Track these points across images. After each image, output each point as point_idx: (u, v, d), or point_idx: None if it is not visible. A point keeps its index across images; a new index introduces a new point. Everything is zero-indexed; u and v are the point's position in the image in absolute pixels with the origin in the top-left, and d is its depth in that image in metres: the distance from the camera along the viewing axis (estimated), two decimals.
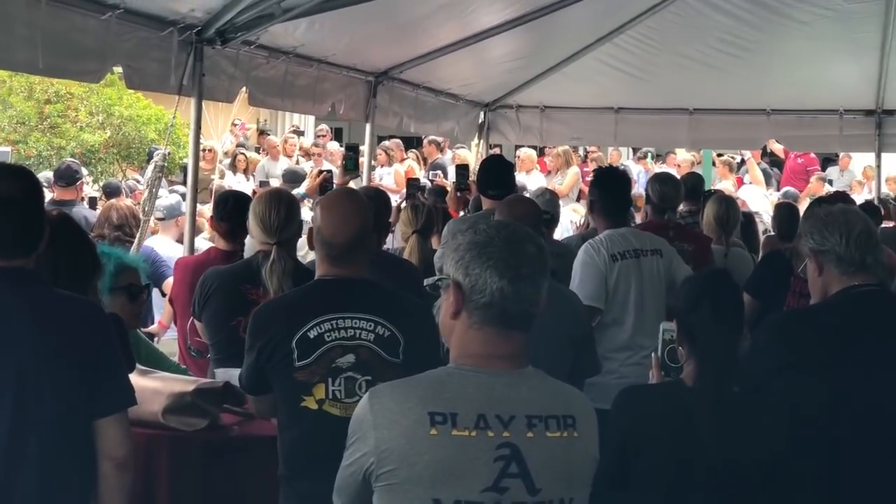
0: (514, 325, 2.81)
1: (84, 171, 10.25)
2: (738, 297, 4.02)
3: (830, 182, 17.48)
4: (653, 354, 4.24)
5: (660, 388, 3.98)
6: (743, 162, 18.11)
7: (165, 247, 8.54)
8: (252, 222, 5.42)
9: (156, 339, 7.41)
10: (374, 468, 2.73)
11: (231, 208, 6.17)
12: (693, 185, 8.89)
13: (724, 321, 3.78)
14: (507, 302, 2.77)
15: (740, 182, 17.00)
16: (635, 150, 20.56)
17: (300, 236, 5.66)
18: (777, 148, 17.33)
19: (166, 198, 9.20)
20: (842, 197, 9.37)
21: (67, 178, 9.38)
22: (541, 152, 17.60)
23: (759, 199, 12.71)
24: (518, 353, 2.84)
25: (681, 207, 8.42)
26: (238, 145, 17.95)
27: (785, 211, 8.65)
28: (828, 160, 19.83)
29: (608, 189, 6.46)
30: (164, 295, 7.83)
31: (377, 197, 6.23)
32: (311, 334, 3.97)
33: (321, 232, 4.12)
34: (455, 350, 2.85)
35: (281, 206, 5.35)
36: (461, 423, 2.71)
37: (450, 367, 2.83)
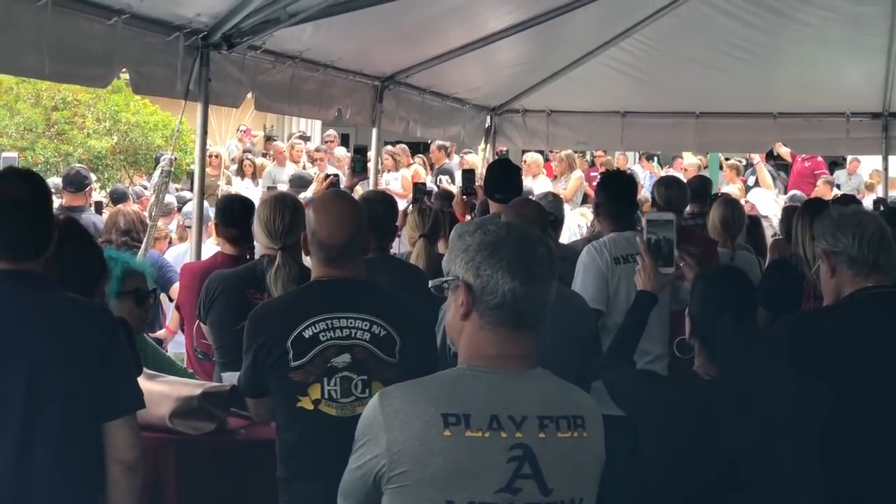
0: (524, 325, 2.80)
1: (92, 176, 10.25)
2: (752, 295, 4.04)
3: (838, 186, 17.45)
4: (638, 240, 4.32)
5: (675, 381, 4.02)
6: (750, 165, 18.10)
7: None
8: (257, 227, 5.43)
9: (164, 344, 7.42)
10: (385, 470, 2.71)
11: (236, 214, 6.17)
12: (700, 187, 8.88)
13: (743, 322, 3.81)
14: (518, 303, 2.76)
15: (744, 184, 17.01)
16: (642, 154, 20.57)
17: None
18: (784, 151, 17.32)
19: (191, 204, 9.20)
20: (851, 200, 9.35)
21: (76, 183, 9.39)
22: (546, 157, 17.61)
23: (768, 203, 12.71)
24: (528, 353, 2.83)
25: (687, 209, 8.42)
26: (245, 151, 17.97)
27: (792, 214, 8.63)
28: (835, 163, 19.81)
29: (613, 192, 6.46)
30: (171, 300, 7.84)
31: (384, 201, 6.22)
32: (307, 334, 3.97)
33: (317, 235, 4.11)
34: (465, 351, 2.84)
35: (286, 210, 5.36)
36: (474, 424, 2.70)
37: (461, 367, 2.82)
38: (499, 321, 2.78)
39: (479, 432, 2.69)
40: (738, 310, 3.85)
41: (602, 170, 17.62)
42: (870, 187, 18.07)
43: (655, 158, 19.96)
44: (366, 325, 4.01)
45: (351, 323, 4.00)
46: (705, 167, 18.11)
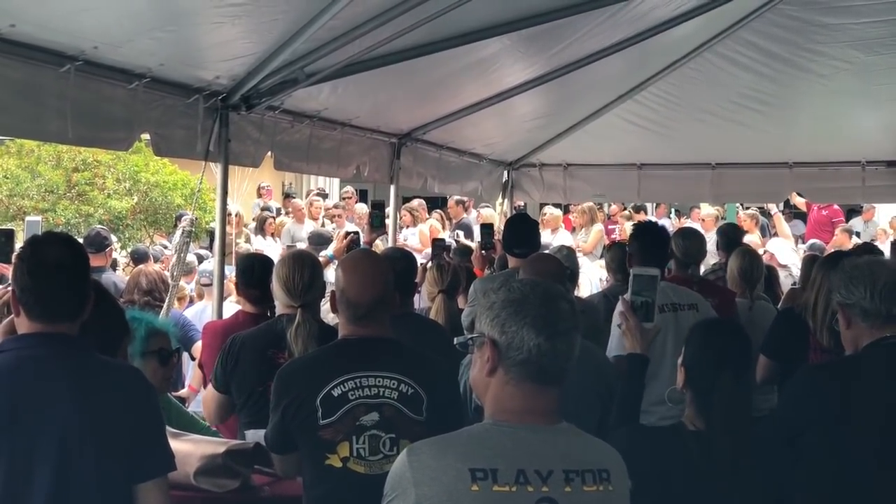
0: (550, 381, 2.84)
1: (113, 238, 10.32)
2: (749, 354, 4.08)
3: (858, 234, 17.44)
4: (621, 298, 4.31)
5: (660, 431, 4.02)
6: (767, 214, 18.10)
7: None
8: (276, 285, 5.45)
9: (186, 402, 7.45)
10: None
11: (257, 274, 6.20)
12: (733, 236, 9.02)
13: (742, 380, 3.85)
14: (543, 359, 2.80)
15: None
16: (657, 205, 20.60)
17: (324, 297, 5.70)
18: (799, 201, 17.33)
19: (209, 262, 9.26)
20: (868, 248, 9.37)
21: (97, 244, 9.44)
22: (565, 209, 17.64)
23: (788, 253, 12.73)
24: (553, 408, 2.87)
25: (719, 258, 8.53)
26: (263, 209, 18.06)
27: (808, 263, 8.66)
28: (852, 210, 19.80)
29: (646, 243, 6.52)
30: (193, 359, 7.88)
31: (403, 258, 6.26)
32: (335, 392, 4.00)
33: (345, 293, 4.16)
34: (491, 406, 2.87)
35: (304, 268, 5.38)
36: (501, 478, 2.72)
37: (487, 423, 2.85)
38: (524, 376, 2.82)
39: (507, 486, 2.72)
40: (738, 366, 3.88)
41: (620, 222, 17.71)
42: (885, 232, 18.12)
43: (673, 210, 19.99)
44: (394, 384, 4.04)
45: (379, 381, 4.03)
46: (723, 217, 18.10)
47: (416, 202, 17.33)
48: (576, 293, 8.37)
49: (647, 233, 6.77)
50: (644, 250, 6.49)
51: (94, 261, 9.30)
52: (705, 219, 17.30)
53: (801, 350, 6.43)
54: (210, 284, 9.01)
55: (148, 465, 3.56)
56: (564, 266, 6.04)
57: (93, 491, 3.43)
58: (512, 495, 2.72)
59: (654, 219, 19.14)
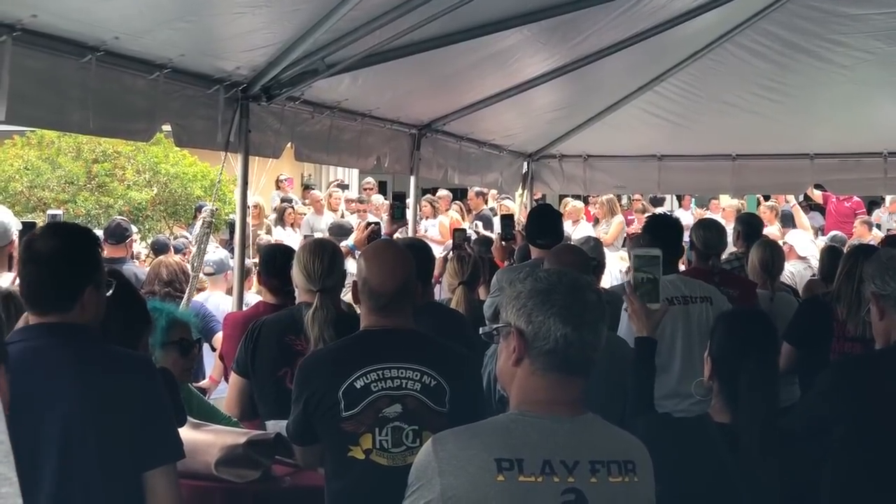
0: (576, 371, 2.84)
1: (133, 228, 10.34)
2: (777, 342, 4.06)
3: (878, 227, 17.35)
4: (625, 284, 4.28)
5: (686, 422, 4.01)
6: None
7: (218, 302, 8.63)
8: (296, 271, 5.43)
9: (207, 393, 7.47)
10: None
11: (279, 264, 6.22)
12: (756, 225, 9.02)
13: (769, 367, 3.81)
14: (570, 349, 2.79)
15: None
16: (679, 197, 20.57)
17: (343, 286, 5.69)
18: (816, 193, 17.27)
19: (214, 252, 9.29)
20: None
21: (117, 235, 9.47)
22: (585, 201, 17.61)
23: (807, 245, 12.68)
24: (579, 398, 2.86)
25: (737, 248, 8.50)
26: (284, 200, 18.08)
27: (828, 254, 8.65)
28: (873, 203, 19.70)
29: (659, 236, 6.49)
30: (213, 350, 7.89)
31: (420, 248, 6.25)
32: (358, 384, 3.99)
33: (368, 282, 4.14)
34: (516, 396, 2.86)
35: (324, 254, 5.37)
36: (527, 469, 2.71)
37: (513, 413, 2.84)
38: (550, 367, 2.81)
39: (533, 477, 2.71)
40: (763, 351, 3.85)
41: (638, 215, 17.68)
42: None
43: (693, 202, 19.96)
44: (416, 375, 4.03)
45: (402, 373, 4.02)
46: (743, 209, 18.04)
47: (442, 192, 17.33)
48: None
49: (660, 225, 6.74)
50: (657, 242, 6.47)
51: (114, 252, 9.37)
52: (726, 209, 17.26)
53: (824, 338, 6.43)
54: (213, 274, 9.01)
55: (155, 452, 3.55)
56: (589, 257, 6.02)
57: (97, 479, 3.43)
58: (538, 486, 2.71)
59: (681, 211, 19.14)
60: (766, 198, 17.24)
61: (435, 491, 2.72)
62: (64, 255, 3.61)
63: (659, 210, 18.73)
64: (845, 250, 7.92)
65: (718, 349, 3.95)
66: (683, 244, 7.89)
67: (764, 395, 3.77)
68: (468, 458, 2.72)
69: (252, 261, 9.74)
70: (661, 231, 6.55)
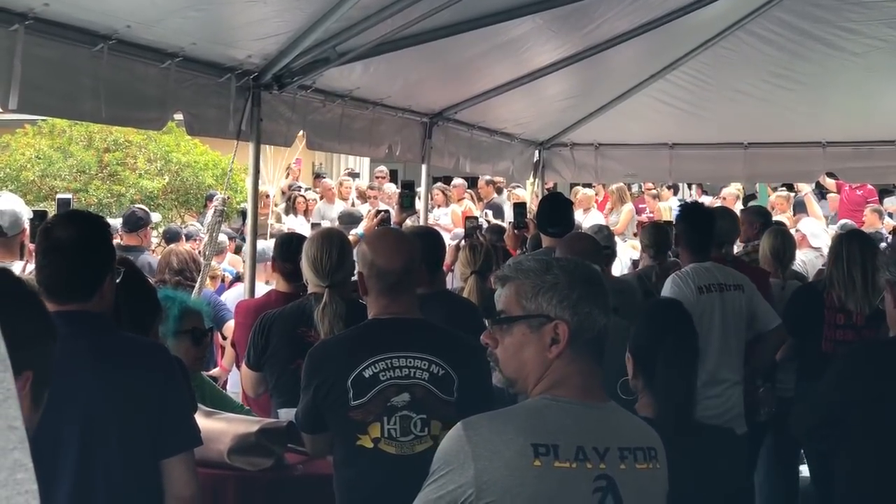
0: (602, 359, 2.86)
1: (152, 216, 10.33)
2: (691, 325, 4.09)
3: (890, 215, 17.30)
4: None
5: None
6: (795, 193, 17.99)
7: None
8: (305, 264, 5.43)
9: (218, 382, 7.48)
10: (472, 500, 2.67)
11: (293, 249, 6.20)
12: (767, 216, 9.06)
13: (686, 351, 3.85)
14: (605, 338, 2.84)
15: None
16: (689, 185, 20.53)
17: (353, 275, 5.69)
18: (829, 182, 17.23)
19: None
20: None
21: (131, 224, 9.48)
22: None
23: (820, 234, 12.64)
24: (602, 385, 2.88)
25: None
26: (292, 188, 18.04)
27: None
28: (885, 191, 19.64)
29: (694, 223, 6.52)
30: (224, 338, 7.90)
31: (429, 235, 6.24)
32: (367, 374, 3.99)
33: (375, 264, 4.13)
34: (547, 382, 2.82)
35: (332, 248, 5.36)
36: (563, 454, 2.70)
37: (545, 398, 2.81)
38: (590, 355, 2.83)
39: (567, 463, 2.69)
40: (679, 336, 3.89)
41: (651, 203, 17.66)
42: None
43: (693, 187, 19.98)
44: (424, 365, 4.03)
45: (410, 362, 4.02)
46: (749, 195, 17.99)
47: (457, 181, 17.32)
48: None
49: (696, 213, 6.76)
50: (692, 230, 6.49)
51: (131, 240, 9.39)
52: (726, 197, 17.19)
53: (815, 325, 6.47)
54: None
55: (173, 440, 3.58)
56: (601, 245, 6.02)
57: (118, 467, 3.46)
58: (572, 471, 2.70)
59: (694, 197, 19.11)
60: (789, 187, 17.23)
61: (467, 475, 2.67)
62: (87, 244, 3.63)
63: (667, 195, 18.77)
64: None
65: (636, 340, 4.00)
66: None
67: (680, 373, 3.81)
68: (504, 442, 2.69)
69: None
70: (696, 218, 6.59)
